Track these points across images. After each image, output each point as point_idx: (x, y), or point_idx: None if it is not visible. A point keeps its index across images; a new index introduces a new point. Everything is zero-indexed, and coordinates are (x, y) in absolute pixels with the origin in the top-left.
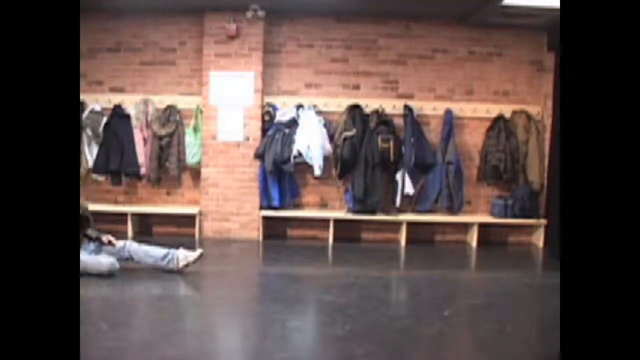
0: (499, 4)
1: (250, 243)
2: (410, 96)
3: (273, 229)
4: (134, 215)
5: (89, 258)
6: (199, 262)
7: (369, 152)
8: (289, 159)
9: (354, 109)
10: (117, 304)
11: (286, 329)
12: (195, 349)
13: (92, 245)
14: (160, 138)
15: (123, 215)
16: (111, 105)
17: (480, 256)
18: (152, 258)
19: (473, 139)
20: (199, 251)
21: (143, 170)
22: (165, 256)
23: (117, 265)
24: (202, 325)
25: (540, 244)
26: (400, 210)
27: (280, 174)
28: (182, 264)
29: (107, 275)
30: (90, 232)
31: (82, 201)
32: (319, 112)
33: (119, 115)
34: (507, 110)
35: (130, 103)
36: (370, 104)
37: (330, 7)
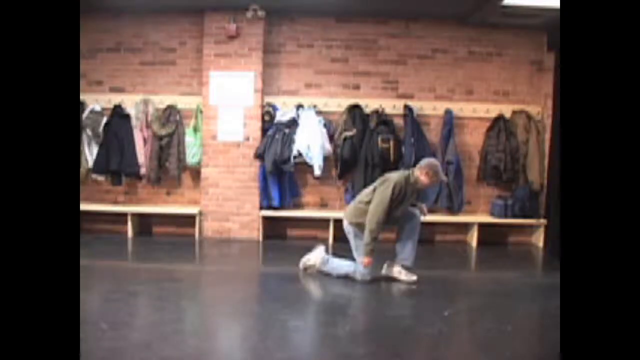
0: (499, 4)
1: (250, 243)
2: (410, 96)
3: (273, 229)
4: (134, 215)
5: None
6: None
7: (369, 152)
8: (289, 159)
9: (354, 109)
10: (116, 304)
11: (286, 329)
12: (195, 349)
13: None
14: (160, 138)
15: (123, 215)
16: (111, 105)
17: (480, 256)
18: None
19: (473, 139)
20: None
21: (143, 170)
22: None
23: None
24: (202, 325)
25: (540, 244)
26: None
27: (280, 174)
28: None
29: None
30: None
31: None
32: (319, 112)
33: (119, 115)
34: (507, 110)
35: (130, 103)
36: (370, 104)
37: (330, 7)
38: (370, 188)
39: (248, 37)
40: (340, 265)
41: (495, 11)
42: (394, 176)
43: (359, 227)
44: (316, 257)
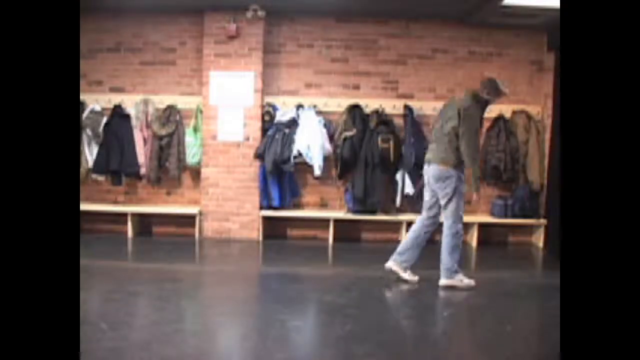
0: (499, 4)
1: (250, 243)
2: (410, 96)
3: (273, 229)
4: (134, 215)
5: None
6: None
7: (369, 152)
8: (289, 159)
9: (354, 109)
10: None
11: (286, 329)
12: (195, 349)
13: None
14: (160, 138)
15: (123, 215)
16: (111, 105)
17: (480, 256)
18: None
19: None
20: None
21: (143, 170)
22: None
23: None
24: (202, 325)
25: (540, 244)
26: (400, 210)
27: (280, 174)
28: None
29: None
30: None
31: None
32: (319, 112)
33: (119, 115)
34: (507, 110)
35: (130, 103)
36: (370, 104)
37: (330, 7)
38: (440, 124)
39: (248, 37)
40: (449, 249)
41: (495, 11)
42: (467, 102)
43: (460, 167)
44: (453, 282)
